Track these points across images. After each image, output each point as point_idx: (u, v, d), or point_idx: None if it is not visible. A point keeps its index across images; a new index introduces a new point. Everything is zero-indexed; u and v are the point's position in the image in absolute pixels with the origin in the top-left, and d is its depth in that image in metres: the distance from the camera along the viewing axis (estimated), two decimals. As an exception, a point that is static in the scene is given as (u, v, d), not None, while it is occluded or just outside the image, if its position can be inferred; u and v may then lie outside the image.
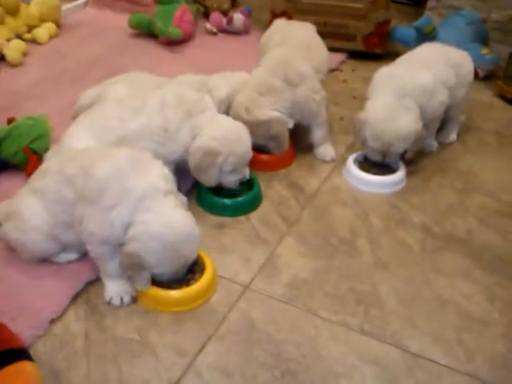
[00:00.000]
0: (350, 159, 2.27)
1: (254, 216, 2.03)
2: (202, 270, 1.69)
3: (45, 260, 1.73)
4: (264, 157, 2.26)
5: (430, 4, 3.44)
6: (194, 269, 1.68)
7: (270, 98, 2.17)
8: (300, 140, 2.34)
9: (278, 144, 2.22)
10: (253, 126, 2.13)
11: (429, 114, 2.23)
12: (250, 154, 2.03)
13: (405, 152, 2.20)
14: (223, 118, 2.03)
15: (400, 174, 2.22)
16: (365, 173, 2.21)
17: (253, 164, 2.19)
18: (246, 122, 2.12)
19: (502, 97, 2.91)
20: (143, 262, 1.52)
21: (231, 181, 2.01)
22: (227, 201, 2.02)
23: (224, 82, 2.26)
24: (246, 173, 2.03)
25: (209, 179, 1.97)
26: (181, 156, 1.94)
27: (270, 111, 2.16)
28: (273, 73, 2.19)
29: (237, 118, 2.16)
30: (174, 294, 1.62)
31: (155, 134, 1.90)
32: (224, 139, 1.94)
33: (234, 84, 2.26)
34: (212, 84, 2.24)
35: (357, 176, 2.21)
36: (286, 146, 2.24)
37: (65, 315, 1.59)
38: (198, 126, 1.94)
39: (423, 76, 2.22)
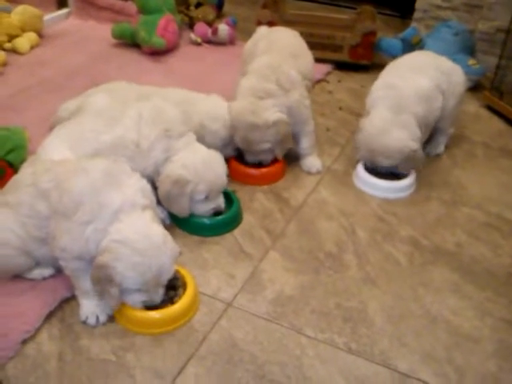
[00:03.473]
0: (360, 166, 2.24)
1: (238, 230, 1.96)
2: (184, 286, 1.63)
3: (17, 276, 1.66)
4: (254, 171, 2.20)
5: (416, 15, 3.43)
6: (175, 285, 1.62)
7: (272, 101, 2.13)
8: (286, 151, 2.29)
9: (284, 146, 2.18)
10: (262, 130, 2.09)
11: (430, 121, 2.22)
12: (223, 180, 1.94)
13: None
14: (198, 145, 1.95)
15: (410, 178, 2.21)
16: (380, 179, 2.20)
17: (243, 178, 2.16)
18: (255, 127, 2.08)
19: (489, 108, 2.89)
20: (113, 274, 1.45)
21: (204, 210, 1.92)
22: (206, 220, 1.94)
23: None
24: (221, 201, 1.95)
25: (180, 209, 1.88)
26: (151, 174, 1.85)
27: (277, 113, 2.12)
28: (265, 78, 2.15)
29: (241, 123, 2.10)
30: (154, 314, 1.55)
31: (127, 149, 1.83)
32: (194, 167, 1.86)
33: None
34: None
35: (375, 183, 2.19)
36: (291, 145, 2.22)
37: (38, 335, 1.52)
38: (173, 149, 1.87)
39: (420, 82, 2.20)
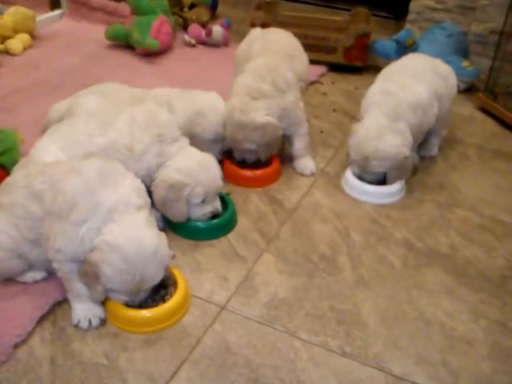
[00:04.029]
0: (349, 172, 2.22)
1: (232, 232, 1.96)
2: (175, 284, 1.63)
3: (9, 280, 1.64)
4: (249, 173, 2.20)
5: (410, 17, 3.43)
6: (166, 284, 1.62)
7: (264, 102, 2.12)
8: (279, 153, 2.28)
9: (268, 150, 2.17)
10: (247, 130, 2.09)
11: (425, 128, 2.21)
12: (219, 183, 1.93)
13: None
14: (191, 149, 1.93)
15: (399, 183, 2.18)
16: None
17: (238, 180, 2.16)
18: (241, 126, 2.08)
19: (483, 109, 2.89)
20: (99, 273, 1.45)
21: (202, 213, 1.90)
22: (201, 224, 1.92)
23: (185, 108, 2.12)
24: (218, 204, 1.94)
25: (177, 214, 1.86)
26: (143, 178, 1.81)
27: (266, 116, 2.12)
28: (261, 78, 2.15)
29: (231, 120, 2.10)
30: (145, 313, 1.55)
31: (119, 153, 1.80)
32: (189, 170, 1.85)
33: (194, 111, 2.14)
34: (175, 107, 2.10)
35: (361, 187, 2.17)
36: (275, 151, 2.21)
37: (30, 339, 1.51)
38: (166, 154, 1.86)
39: (419, 90, 2.19)
